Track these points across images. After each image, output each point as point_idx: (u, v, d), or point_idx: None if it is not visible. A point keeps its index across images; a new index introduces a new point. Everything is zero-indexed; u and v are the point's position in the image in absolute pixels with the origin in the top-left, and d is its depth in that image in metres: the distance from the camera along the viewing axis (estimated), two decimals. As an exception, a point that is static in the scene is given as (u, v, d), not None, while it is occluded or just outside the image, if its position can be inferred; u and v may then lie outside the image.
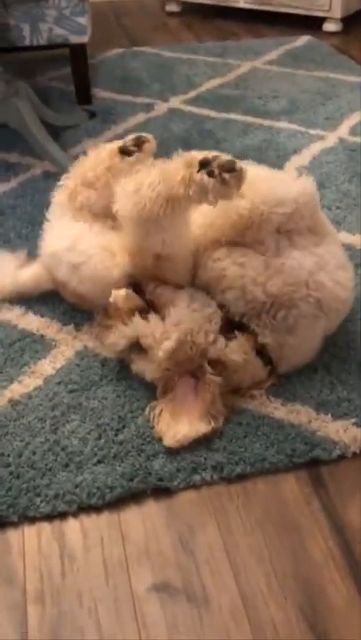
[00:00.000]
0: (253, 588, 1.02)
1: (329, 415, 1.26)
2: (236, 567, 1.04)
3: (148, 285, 1.33)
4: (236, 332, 1.28)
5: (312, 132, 2.33)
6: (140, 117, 2.47)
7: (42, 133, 2.10)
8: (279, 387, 1.31)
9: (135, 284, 1.32)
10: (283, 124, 2.39)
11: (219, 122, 2.42)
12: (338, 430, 1.23)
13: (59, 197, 1.51)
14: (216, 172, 1.18)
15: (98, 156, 1.48)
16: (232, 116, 2.46)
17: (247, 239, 1.30)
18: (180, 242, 1.30)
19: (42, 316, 1.53)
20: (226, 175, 1.18)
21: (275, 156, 2.15)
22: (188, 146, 2.17)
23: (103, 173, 1.44)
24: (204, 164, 1.19)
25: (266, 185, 1.31)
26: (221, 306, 1.30)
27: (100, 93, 2.68)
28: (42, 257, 1.53)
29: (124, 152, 1.45)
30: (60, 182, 1.53)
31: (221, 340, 1.27)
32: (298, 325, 1.28)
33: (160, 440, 1.21)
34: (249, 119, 2.43)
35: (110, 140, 2.10)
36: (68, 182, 1.50)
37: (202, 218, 1.33)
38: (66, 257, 1.43)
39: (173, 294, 1.32)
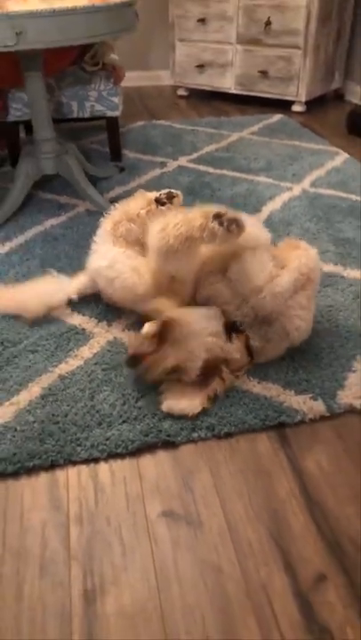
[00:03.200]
0: (235, 516, 1.02)
1: (293, 391, 1.26)
2: (223, 500, 1.05)
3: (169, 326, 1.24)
4: (234, 335, 1.27)
5: (283, 184, 2.32)
6: (157, 172, 2.46)
7: (85, 182, 2.10)
8: (257, 370, 1.31)
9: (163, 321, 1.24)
10: (261, 179, 2.38)
11: (215, 176, 2.42)
12: (299, 402, 1.23)
13: (105, 225, 1.51)
14: (225, 223, 1.19)
15: (140, 199, 1.48)
16: (225, 171, 2.46)
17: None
18: (189, 268, 1.31)
19: (83, 315, 1.53)
20: (232, 227, 1.19)
21: (255, 201, 2.15)
22: (192, 193, 2.19)
23: (143, 214, 1.45)
24: (216, 216, 1.20)
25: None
26: (222, 312, 1.29)
27: (128, 154, 2.68)
28: (88, 270, 1.53)
29: (158, 201, 1.45)
30: (108, 214, 1.53)
31: (228, 346, 1.25)
32: (273, 339, 1.29)
33: (160, 402, 1.19)
34: (237, 174, 2.43)
35: (135, 189, 2.14)
36: (115, 215, 1.50)
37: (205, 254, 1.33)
38: (105, 272, 1.43)
39: (192, 320, 1.25)
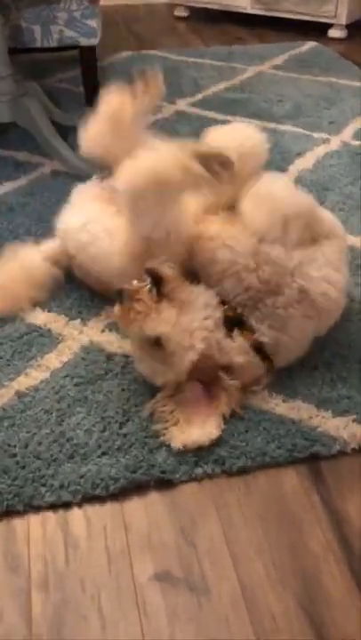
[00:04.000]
0: (253, 579, 1.02)
1: (329, 412, 1.26)
2: (236, 558, 1.05)
3: (168, 282, 1.27)
4: (236, 331, 1.27)
5: (316, 135, 2.33)
6: (148, 119, 2.46)
7: (51, 133, 2.10)
8: (280, 383, 1.31)
9: (155, 274, 1.25)
10: (288, 128, 2.39)
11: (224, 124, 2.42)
12: (338, 427, 1.23)
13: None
14: (213, 166, 1.21)
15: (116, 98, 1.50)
16: (237, 118, 2.46)
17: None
18: (171, 227, 1.30)
19: (49, 310, 1.53)
20: (220, 170, 1.20)
21: (279, 159, 2.15)
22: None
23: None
24: (200, 155, 1.21)
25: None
26: (223, 302, 1.29)
27: (109, 95, 2.68)
28: (57, 230, 1.55)
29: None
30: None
31: (227, 344, 1.26)
32: (290, 322, 1.28)
33: (166, 440, 1.21)
34: (254, 122, 2.43)
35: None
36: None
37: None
38: (74, 234, 1.46)
39: (191, 296, 1.27)
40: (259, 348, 1.28)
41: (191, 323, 1.23)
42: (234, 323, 1.28)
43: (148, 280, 1.24)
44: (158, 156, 1.24)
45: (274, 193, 1.27)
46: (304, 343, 1.34)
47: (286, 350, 1.31)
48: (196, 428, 1.21)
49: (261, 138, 1.41)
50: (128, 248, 1.36)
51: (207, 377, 1.25)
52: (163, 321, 1.21)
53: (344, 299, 1.36)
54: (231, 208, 1.33)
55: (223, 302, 1.30)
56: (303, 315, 1.29)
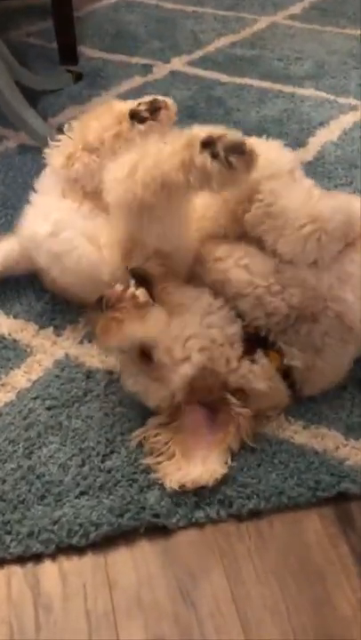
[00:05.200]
0: (267, 648, 1.02)
1: (360, 441, 1.26)
2: (247, 623, 1.04)
3: (157, 283, 1.28)
4: (260, 352, 1.27)
5: (342, 100, 2.34)
6: (137, 81, 2.48)
7: (17, 99, 2.10)
8: (301, 406, 1.32)
9: (141, 275, 1.27)
10: (307, 92, 2.40)
11: (230, 88, 2.43)
12: (371, 459, 1.23)
13: (53, 161, 1.52)
14: (221, 154, 1.18)
15: (105, 116, 1.50)
16: (246, 80, 2.47)
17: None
18: (178, 237, 1.31)
19: (15, 317, 1.54)
20: (233, 158, 1.18)
21: (297, 130, 2.16)
22: (193, 117, 2.20)
23: (109, 140, 1.46)
24: (206, 145, 1.19)
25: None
26: (239, 315, 1.29)
27: (88, 52, 2.70)
28: (19, 236, 1.55)
29: (135, 117, 1.46)
30: (56, 143, 1.54)
31: (244, 366, 1.26)
32: (326, 347, 1.29)
33: (159, 478, 1.20)
34: (267, 85, 2.45)
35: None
36: (67, 144, 1.51)
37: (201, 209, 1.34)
38: (46, 243, 1.45)
39: (186, 299, 1.28)
40: (286, 373, 1.28)
41: (184, 328, 1.24)
42: (257, 342, 1.28)
43: (133, 282, 1.24)
44: (159, 152, 1.23)
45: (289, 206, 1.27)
46: (341, 369, 1.34)
47: (321, 377, 1.32)
48: (197, 465, 1.20)
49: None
50: (117, 252, 1.36)
51: (211, 399, 1.25)
52: (148, 326, 1.22)
53: None
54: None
55: (241, 317, 1.30)
56: (340, 339, 1.29)
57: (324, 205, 1.27)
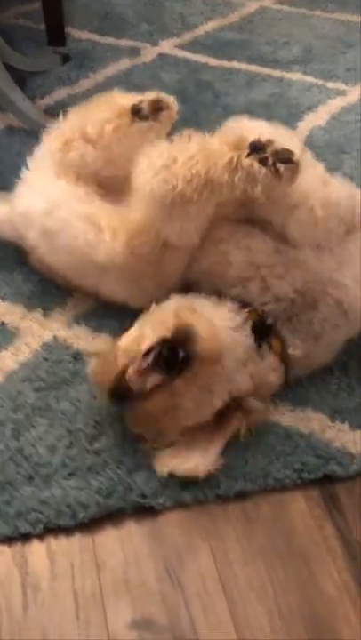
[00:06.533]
0: (253, 627, 1.02)
1: (346, 423, 1.27)
2: (233, 602, 1.05)
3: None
4: (265, 346, 1.26)
5: (330, 85, 2.33)
6: (124, 64, 2.46)
7: (5, 80, 2.09)
8: (287, 389, 1.32)
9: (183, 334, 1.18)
10: (295, 76, 2.39)
11: (219, 71, 2.42)
12: (356, 441, 1.24)
13: (50, 144, 1.51)
14: (270, 160, 1.18)
15: (106, 106, 1.49)
16: (235, 64, 2.46)
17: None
18: (197, 235, 1.31)
19: (2, 299, 1.53)
20: (280, 166, 1.18)
21: (285, 114, 2.16)
22: (181, 100, 2.16)
23: (108, 133, 1.45)
24: (255, 149, 1.19)
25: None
26: (244, 304, 1.28)
27: (76, 33, 2.67)
28: (10, 209, 1.54)
29: (137, 113, 1.45)
30: (54, 127, 1.53)
31: (262, 367, 1.25)
32: (324, 334, 1.29)
33: (152, 463, 1.20)
34: (255, 69, 2.43)
35: (88, 92, 2.14)
36: (65, 130, 1.50)
37: None
38: (40, 220, 1.44)
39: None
40: (284, 360, 1.29)
41: (220, 380, 1.20)
42: (262, 333, 1.26)
43: (159, 348, 1.16)
44: (205, 150, 1.22)
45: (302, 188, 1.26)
46: (332, 352, 1.35)
47: (312, 361, 1.32)
48: (194, 455, 1.19)
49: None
50: (129, 245, 1.34)
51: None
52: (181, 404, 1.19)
53: None
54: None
55: (245, 305, 1.28)
56: (335, 324, 1.30)
57: (337, 191, 1.28)
